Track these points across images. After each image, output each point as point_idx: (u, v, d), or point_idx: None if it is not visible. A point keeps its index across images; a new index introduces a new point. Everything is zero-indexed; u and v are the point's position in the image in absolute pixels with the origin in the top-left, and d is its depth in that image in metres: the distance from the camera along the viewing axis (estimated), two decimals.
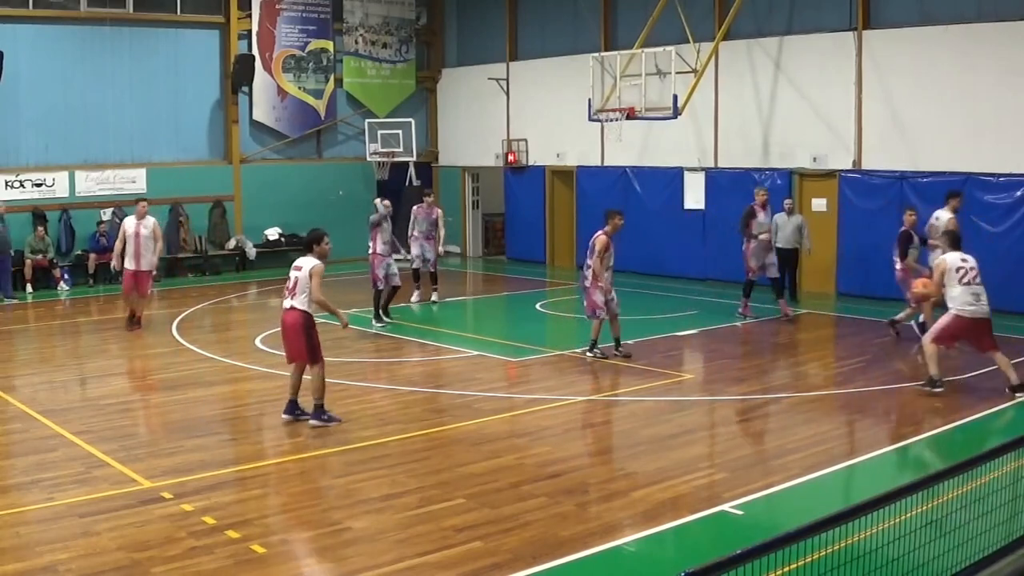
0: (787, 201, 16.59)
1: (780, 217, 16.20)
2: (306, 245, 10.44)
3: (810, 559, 4.83)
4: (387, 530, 7.18)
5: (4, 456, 9.17)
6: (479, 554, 6.70)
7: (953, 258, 11.04)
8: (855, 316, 16.13)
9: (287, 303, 10.13)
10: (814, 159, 18.45)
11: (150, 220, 15.65)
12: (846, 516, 4.48)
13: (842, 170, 18.04)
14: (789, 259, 16.48)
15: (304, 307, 10.01)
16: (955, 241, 11.41)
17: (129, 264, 15.30)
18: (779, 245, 16.08)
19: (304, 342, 10.01)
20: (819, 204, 18.53)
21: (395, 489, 8.07)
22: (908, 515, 5.31)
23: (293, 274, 10.13)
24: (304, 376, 10.22)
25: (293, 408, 10.20)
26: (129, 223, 15.54)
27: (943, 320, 11.04)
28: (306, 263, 10.10)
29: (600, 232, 13.05)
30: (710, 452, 9.46)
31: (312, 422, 10.02)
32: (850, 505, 4.59)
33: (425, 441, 9.48)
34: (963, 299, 10.84)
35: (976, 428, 9.80)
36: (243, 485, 8.33)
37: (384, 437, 9.60)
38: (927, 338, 11.22)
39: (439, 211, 17.72)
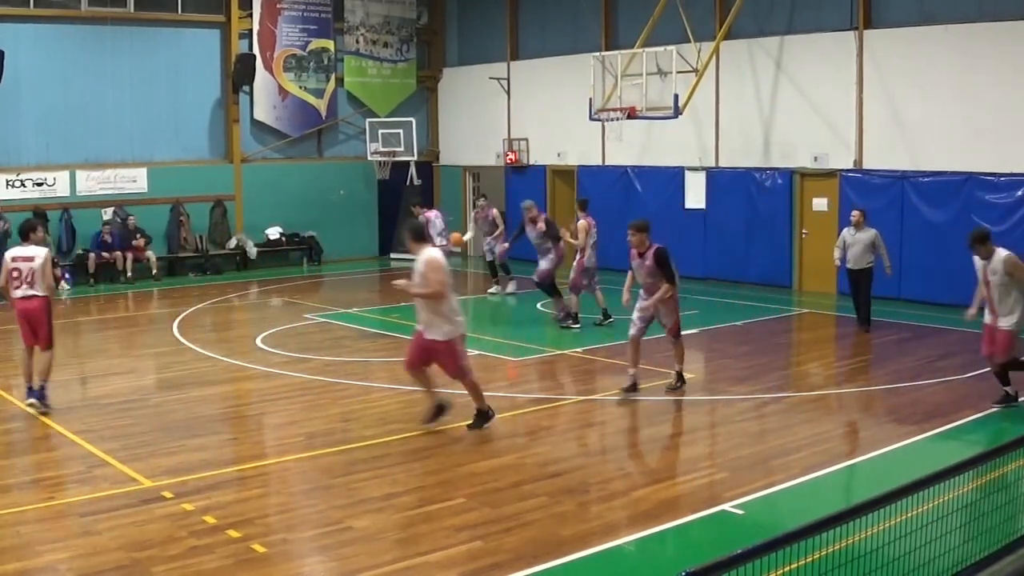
0: (855, 213, 14.35)
1: (847, 233, 14.34)
2: (24, 234, 10.72)
3: (810, 559, 4.83)
4: (387, 529, 7.18)
5: (4, 455, 9.17)
6: (479, 553, 6.70)
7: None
8: (855, 316, 16.09)
9: (26, 292, 10.38)
10: (815, 159, 18.44)
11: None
12: (846, 516, 4.48)
13: (843, 170, 18.03)
14: (860, 282, 14.38)
15: (46, 293, 10.45)
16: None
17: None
18: (849, 266, 14.29)
19: (49, 326, 10.47)
20: (820, 204, 18.53)
21: (395, 488, 8.07)
22: (908, 515, 5.32)
23: (24, 265, 10.38)
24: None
25: (35, 392, 10.48)
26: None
27: None
28: (36, 252, 10.44)
29: None
30: (710, 452, 9.45)
31: (31, 400, 10.43)
32: (850, 505, 4.59)
33: (426, 440, 9.48)
34: None
35: (977, 428, 9.80)
36: (244, 484, 8.33)
37: (385, 436, 9.60)
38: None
39: (494, 211, 19.05)
